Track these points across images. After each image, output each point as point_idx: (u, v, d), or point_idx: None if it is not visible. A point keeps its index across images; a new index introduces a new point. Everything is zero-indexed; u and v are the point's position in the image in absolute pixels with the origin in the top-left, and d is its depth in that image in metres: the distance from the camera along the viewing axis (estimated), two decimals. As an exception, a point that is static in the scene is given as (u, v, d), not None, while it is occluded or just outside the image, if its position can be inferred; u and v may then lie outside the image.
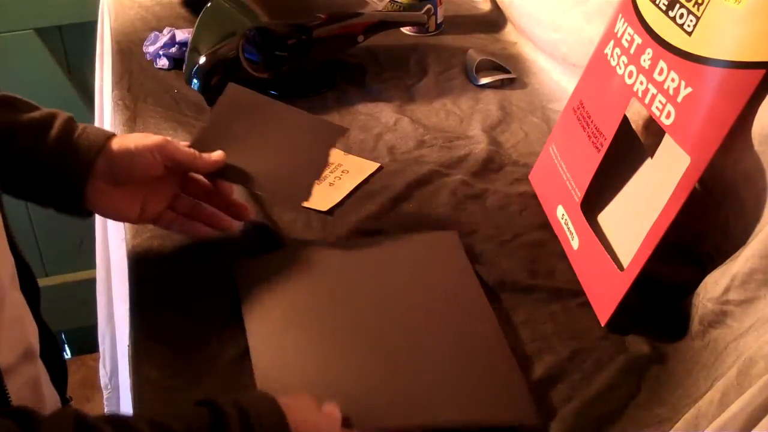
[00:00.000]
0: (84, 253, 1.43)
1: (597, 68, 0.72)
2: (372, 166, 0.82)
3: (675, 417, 0.54)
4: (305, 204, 0.71)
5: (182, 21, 1.11)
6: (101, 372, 1.26)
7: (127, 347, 0.63)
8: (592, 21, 0.88)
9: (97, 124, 1.20)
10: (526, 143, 0.87)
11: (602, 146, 0.67)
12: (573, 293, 0.66)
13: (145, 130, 0.87)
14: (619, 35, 0.68)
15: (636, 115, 0.71)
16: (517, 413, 0.55)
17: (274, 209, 0.75)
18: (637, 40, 0.65)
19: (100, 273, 1.18)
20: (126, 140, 0.62)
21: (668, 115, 0.60)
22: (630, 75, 0.65)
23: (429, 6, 1.09)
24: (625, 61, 0.66)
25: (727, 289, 0.56)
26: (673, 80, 0.59)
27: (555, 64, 1.00)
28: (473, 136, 0.88)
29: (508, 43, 1.11)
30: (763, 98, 0.54)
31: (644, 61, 0.63)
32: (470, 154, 0.84)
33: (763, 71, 0.52)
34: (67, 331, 1.99)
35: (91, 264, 1.20)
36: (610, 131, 0.66)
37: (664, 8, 0.62)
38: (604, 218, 0.70)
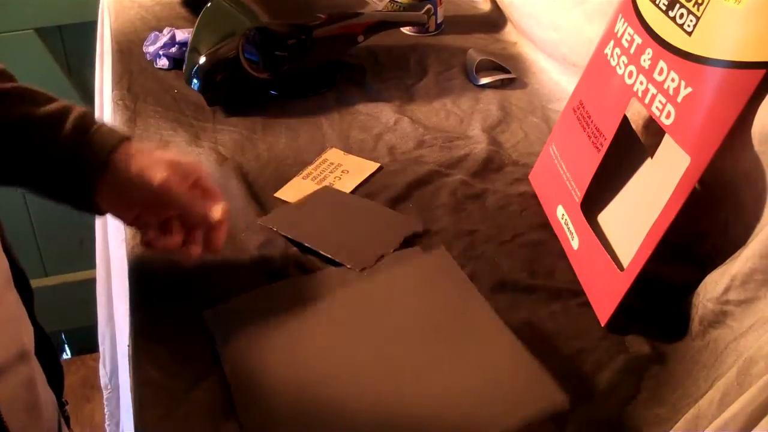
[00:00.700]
0: (84, 253, 1.43)
1: (597, 68, 0.72)
2: (372, 166, 0.82)
3: (675, 417, 0.54)
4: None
5: (182, 21, 1.11)
6: (101, 372, 1.26)
7: (127, 347, 0.63)
8: (592, 21, 0.88)
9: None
10: (526, 143, 0.87)
11: (602, 146, 0.67)
12: (573, 293, 0.66)
13: (145, 130, 0.87)
14: (619, 35, 0.68)
15: (636, 115, 0.71)
16: (549, 401, 0.54)
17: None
18: (637, 40, 0.65)
19: (100, 273, 1.18)
20: (133, 160, 0.59)
21: (668, 115, 0.59)
22: (630, 75, 0.65)
23: (429, 6, 1.09)
24: (625, 61, 0.66)
25: (727, 289, 0.56)
26: (673, 80, 0.59)
27: (555, 64, 1.00)
28: (473, 136, 0.88)
29: (508, 43, 1.11)
30: (763, 98, 0.54)
31: (644, 61, 0.63)
32: (470, 154, 0.84)
33: (763, 71, 0.52)
34: (67, 331, 1.99)
35: (91, 264, 1.20)
36: (610, 131, 0.66)
37: (664, 8, 0.62)
38: (604, 218, 0.70)
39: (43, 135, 0.59)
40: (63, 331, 1.99)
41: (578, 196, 0.69)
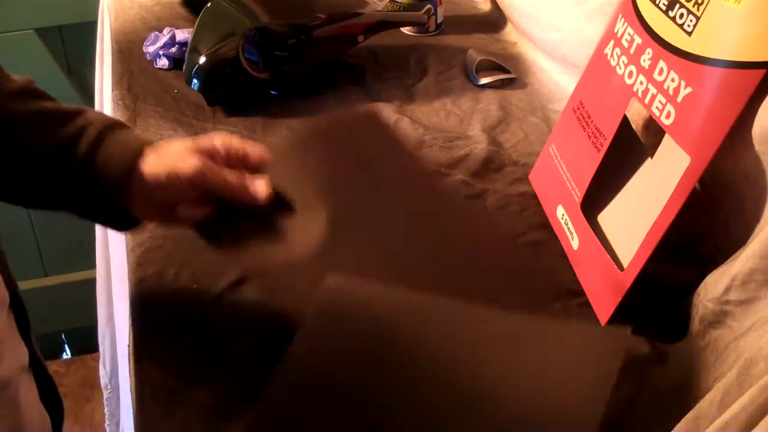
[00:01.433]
0: (84, 253, 1.43)
1: (597, 68, 0.72)
2: (372, 166, 0.82)
3: (675, 417, 0.54)
4: None
5: (182, 21, 1.11)
6: (101, 372, 1.26)
7: (127, 347, 0.63)
8: (592, 21, 0.88)
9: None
10: (526, 143, 0.87)
11: (602, 146, 0.67)
12: (573, 293, 0.66)
13: (146, 130, 0.87)
14: (619, 35, 0.68)
15: (636, 115, 0.71)
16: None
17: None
18: (637, 40, 0.65)
19: (100, 273, 1.18)
20: (158, 162, 0.57)
21: (668, 115, 0.59)
22: (630, 75, 0.65)
23: (429, 6, 1.09)
24: (625, 61, 0.66)
25: (727, 290, 0.56)
26: (673, 80, 0.59)
27: (555, 64, 1.00)
28: (473, 136, 0.88)
29: (508, 43, 1.11)
30: (763, 98, 0.54)
31: (644, 61, 0.63)
32: (470, 154, 0.84)
33: (763, 71, 0.52)
34: (67, 331, 1.99)
35: (91, 264, 1.20)
36: (610, 131, 0.66)
37: (664, 8, 0.62)
38: (604, 218, 0.70)
39: (55, 166, 0.57)
40: (63, 331, 1.99)
41: (578, 196, 0.69)
